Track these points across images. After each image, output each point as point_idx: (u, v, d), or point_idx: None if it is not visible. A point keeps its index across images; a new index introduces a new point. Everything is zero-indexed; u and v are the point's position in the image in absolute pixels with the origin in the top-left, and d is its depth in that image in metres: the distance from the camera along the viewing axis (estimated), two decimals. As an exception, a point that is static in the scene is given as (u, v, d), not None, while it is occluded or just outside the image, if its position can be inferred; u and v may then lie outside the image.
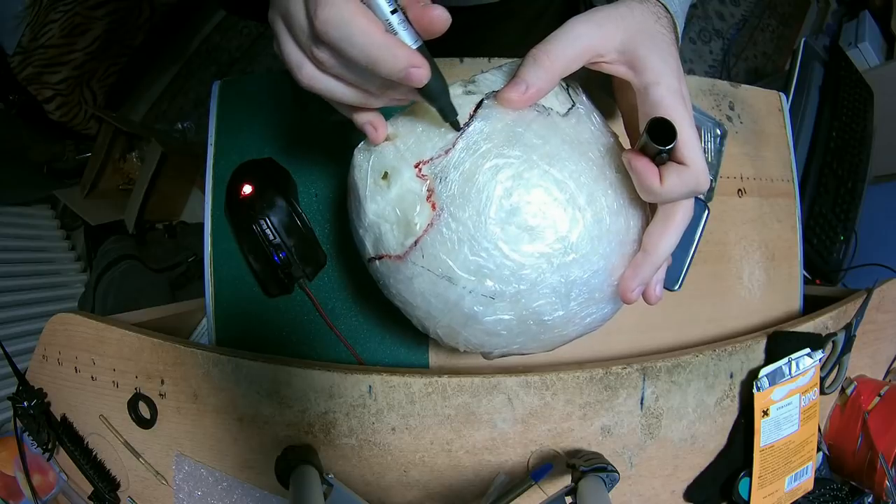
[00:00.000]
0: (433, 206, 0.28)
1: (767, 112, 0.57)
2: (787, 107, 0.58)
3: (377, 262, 0.31)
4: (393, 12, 0.24)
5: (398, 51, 0.23)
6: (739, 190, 0.54)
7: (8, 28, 1.23)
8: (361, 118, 0.29)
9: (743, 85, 0.57)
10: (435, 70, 0.25)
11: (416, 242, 0.29)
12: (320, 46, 0.24)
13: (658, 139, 0.26)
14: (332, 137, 0.50)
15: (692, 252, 0.51)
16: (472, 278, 0.28)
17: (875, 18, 1.56)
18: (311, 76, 0.26)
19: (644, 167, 0.27)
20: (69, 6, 1.24)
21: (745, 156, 0.55)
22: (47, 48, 1.26)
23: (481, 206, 0.27)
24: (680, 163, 0.27)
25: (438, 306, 0.30)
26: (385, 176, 0.30)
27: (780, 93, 0.58)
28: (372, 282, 0.48)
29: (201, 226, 0.50)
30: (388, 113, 0.31)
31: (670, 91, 0.27)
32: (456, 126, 0.28)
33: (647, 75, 0.28)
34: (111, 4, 1.29)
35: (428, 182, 0.28)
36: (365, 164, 0.31)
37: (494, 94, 0.29)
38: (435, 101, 0.27)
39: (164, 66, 1.63)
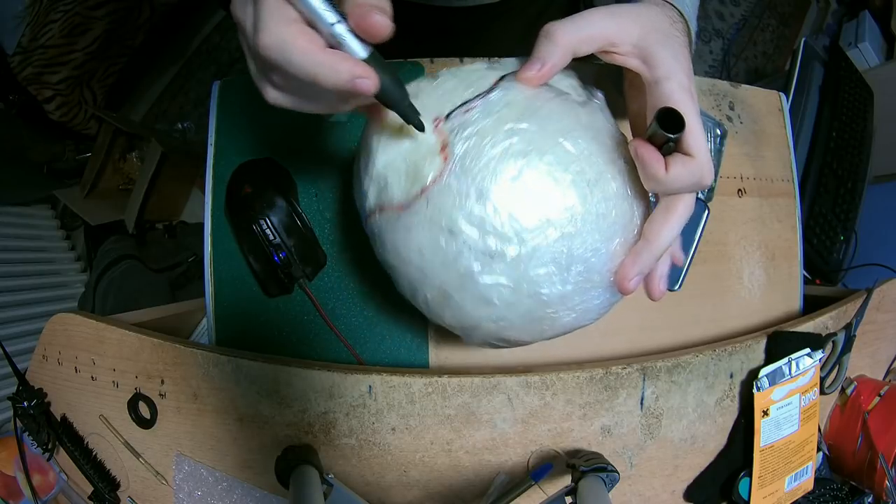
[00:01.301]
0: (445, 159, 0.28)
1: (767, 112, 0.57)
2: (787, 107, 0.58)
3: (377, 214, 0.31)
4: (336, 23, 0.24)
5: (340, 65, 0.23)
6: (739, 190, 0.54)
7: (8, 28, 1.23)
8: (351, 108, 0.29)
9: (743, 85, 0.57)
10: (388, 75, 0.25)
11: (422, 191, 0.28)
12: (269, 70, 0.25)
13: (667, 128, 0.26)
14: (332, 137, 0.50)
15: (692, 252, 0.51)
16: (474, 233, 0.28)
17: (875, 18, 1.56)
18: (275, 97, 0.27)
19: (650, 155, 0.27)
20: (69, 6, 1.24)
21: (745, 156, 0.55)
22: (47, 48, 1.26)
23: (494, 164, 0.27)
24: (686, 154, 0.28)
25: (434, 263, 0.29)
26: (402, 129, 0.30)
27: (780, 93, 0.58)
28: (372, 282, 0.48)
29: (201, 226, 0.50)
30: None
31: (681, 87, 0.28)
32: (420, 127, 0.28)
33: (659, 70, 0.28)
34: (111, 4, 1.29)
35: (444, 137, 0.28)
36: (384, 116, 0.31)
37: (514, 74, 0.29)
38: (393, 106, 0.27)
39: (164, 66, 1.63)
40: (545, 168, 0.28)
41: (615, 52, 0.29)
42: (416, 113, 0.28)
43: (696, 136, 0.27)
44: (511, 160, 0.27)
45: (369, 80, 0.24)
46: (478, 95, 0.29)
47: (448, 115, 0.29)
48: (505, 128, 0.28)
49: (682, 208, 0.29)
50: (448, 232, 0.28)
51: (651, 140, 0.28)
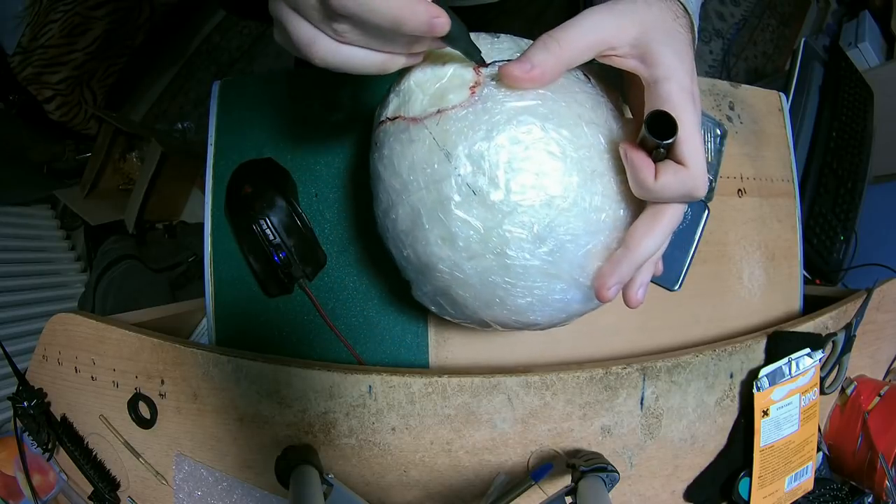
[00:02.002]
0: (472, 94, 0.29)
1: (767, 112, 0.57)
2: (787, 107, 0.58)
3: (388, 122, 0.31)
4: None
5: (417, 6, 0.24)
6: (739, 190, 0.54)
7: (8, 28, 1.23)
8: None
9: (743, 85, 0.57)
10: (452, 15, 0.26)
11: (439, 112, 0.29)
12: (338, 20, 0.24)
13: (657, 133, 0.25)
14: (332, 137, 0.50)
15: (692, 252, 0.51)
16: (468, 166, 0.28)
17: (875, 18, 1.56)
18: (327, 50, 0.26)
19: (639, 159, 0.26)
20: (69, 6, 1.24)
21: (745, 156, 0.55)
22: (47, 48, 1.26)
23: (513, 115, 0.28)
24: (679, 163, 0.26)
25: (419, 180, 0.29)
26: (439, 58, 0.30)
27: (780, 93, 0.58)
28: (372, 282, 0.48)
29: (201, 226, 0.50)
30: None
31: (681, 88, 0.27)
32: (482, 63, 0.29)
33: (659, 70, 0.27)
34: (111, 4, 1.29)
35: (479, 78, 0.29)
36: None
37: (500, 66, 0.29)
38: (458, 43, 0.28)
39: (164, 66, 1.63)
40: (558, 138, 0.28)
41: (613, 55, 0.28)
42: (478, 50, 0.29)
43: (690, 144, 0.26)
44: (530, 117, 0.28)
45: (444, 19, 0.24)
46: None
47: (490, 64, 0.30)
48: (536, 91, 0.28)
49: (669, 218, 0.27)
50: (445, 155, 0.28)
51: (642, 144, 0.27)
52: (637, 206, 0.30)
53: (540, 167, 0.27)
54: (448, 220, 0.28)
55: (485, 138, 0.28)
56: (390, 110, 0.31)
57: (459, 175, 0.28)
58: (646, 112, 0.27)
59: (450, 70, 0.30)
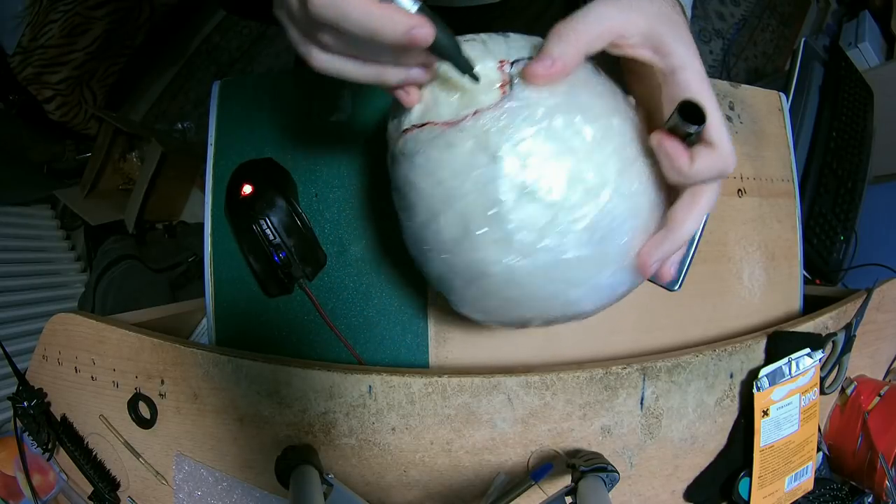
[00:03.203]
0: (503, 93, 0.28)
1: (767, 112, 0.57)
2: (787, 107, 0.58)
3: (417, 130, 0.30)
4: None
5: (396, 16, 0.23)
6: (739, 190, 0.54)
7: (8, 28, 1.23)
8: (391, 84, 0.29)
9: (743, 85, 0.57)
10: (441, 27, 0.25)
11: (475, 112, 0.28)
12: (321, 29, 0.25)
13: (689, 120, 0.26)
14: (332, 137, 0.50)
15: (692, 252, 0.51)
16: (516, 165, 0.27)
17: (875, 18, 1.56)
18: (321, 60, 0.26)
19: (675, 148, 0.27)
20: (69, 6, 1.24)
21: (745, 156, 0.55)
22: (47, 48, 1.26)
23: (551, 110, 0.27)
24: (708, 144, 0.28)
25: (464, 186, 0.28)
26: (452, 83, 0.30)
27: (780, 93, 0.58)
28: (372, 282, 0.48)
29: (201, 226, 0.50)
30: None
31: (697, 74, 0.28)
32: (475, 78, 0.28)
33: (674, 59, 0.28)
34: (111, 4, 1.29)
35: (504, 77, 0.29)
36: None
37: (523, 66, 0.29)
38: (448, 56, 0.27)
39: (164, 66, 1.63)
40: (594, 129, 0.28)
41: (625, 45, 0.29)
42: (470, 65, 0.28)
43: (717, 126, 0.27)
44: (565, 111, 0.28)
45: (425, 30, 0.24)
46: None
47: (514, 62, 0.29)
48: (563, 86, 0.28)
49: (707, 198, 0.29)
50: (490, 156, 0.27)
51: (672, 132, 0.28)
52: (666, 187, 0.30)
53: (583, 159, 0.28)
54: (501, 222, 0.28)
55: (527, 136, 0.27)
56: (415, 117, 0.30)
57: (508, 175, 0.27)
58: (666, 100, 0.29)
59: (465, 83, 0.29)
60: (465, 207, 0.29)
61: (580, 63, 0.28)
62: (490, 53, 0.30)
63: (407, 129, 0.31)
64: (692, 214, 0.29)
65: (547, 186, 0.27)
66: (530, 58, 0.29)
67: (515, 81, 0.28)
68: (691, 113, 0.26)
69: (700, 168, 0.27)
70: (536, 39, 0.31)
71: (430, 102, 0.30)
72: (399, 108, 0.32)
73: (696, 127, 0.26)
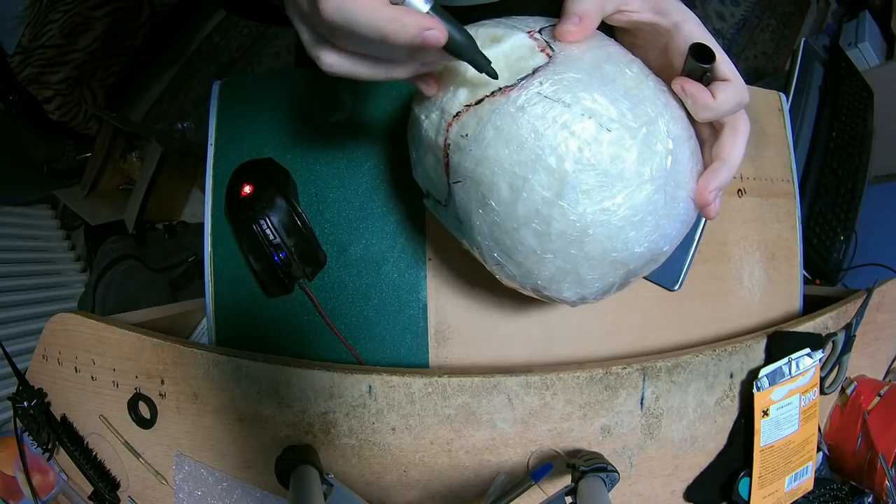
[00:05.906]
0: (547, 55, 0.29)
1: (767, 112, 0.57)
2: (787, 107, 0.58)
3: (473, 107, 0.30)
4: None
5: (406, 19, 0.23)
6: (739, 190, 0.54)
7: (8, 28, 1.23)
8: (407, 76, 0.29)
9: (743, 85, 0.57)
10: (455, 26, 0.25)
11: (534, 71, 0.29)
12: (334, 33, 0.25)
13: (701, 60, 0.29)
14: (332, 137, 0.50)
15: (692, 252, 0.51)
16: (597, 103, 0.28)
17: (875, 18, 1.56)
18: (332, 63, 0.27)
19: (696, 88, 0.30)
20: (69, 6, 1.24)
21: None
22: (47, 48, 1.26)
23: (595, 66, 0.29)
24: (723, 79, 0.30)
25: (547, 137, 0.28)
26: (495, 38, 0.30)
27: (780, 93, 0.58)
28: (372, 282, 0.48)
29: (201, 226, 0.50)
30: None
31: (698, 25, 0.31)
32: (493, 75, 0.28)
33: (675, 15, 0.31)
34: (111, 4, 1.29)
35: (540, 41, 0.30)
36: (473, 31, 0.30)
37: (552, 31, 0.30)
38: (464, 56, 0.27)
39: (164, 66, 1.63)
40: (635, 72, 0.30)
41: (629, 10, 0.31)
42: (488, 62, 0.28)
43: (727, 62, 0.30)
44: (607, 59, 0.30)
45: (437, 31, 0.24)
46: None
47: (541, 30, 0.30)
48: (594, 41, 0.30)
49: (744, 126, 0.32)
50: (565, 105, 0.28)
51: (689, 76, 0.30)
52: (692, 133, 0.32)
53: (635, 95, 0.29)
54: (594, 162, 0.28)
55: (591, 83, 0.28)
56: (463, 98, 0.30)
57: (591, 116, 0.28)
58: (673, 52, 0.31)
59: (507, 44, 0.30)
60: (557, 160, 0.28)
61: (601, 18, 0.31)
62: (515, 27, 0.31)
63: (459, 112, 0.30)
64: (737, 143, 0.31)
65: (631, 125, 0.28)
66: (552, 26, 0.31)
67: (552, 43, 0.30)
68: (701, 54, 0.29)
69: (723, 100, 0.30)
70: (539, 17, 0.33)
71: (475, 83, 0.30)
72: (435, 100, 0.31)
73: (709, 65, 0.29)
